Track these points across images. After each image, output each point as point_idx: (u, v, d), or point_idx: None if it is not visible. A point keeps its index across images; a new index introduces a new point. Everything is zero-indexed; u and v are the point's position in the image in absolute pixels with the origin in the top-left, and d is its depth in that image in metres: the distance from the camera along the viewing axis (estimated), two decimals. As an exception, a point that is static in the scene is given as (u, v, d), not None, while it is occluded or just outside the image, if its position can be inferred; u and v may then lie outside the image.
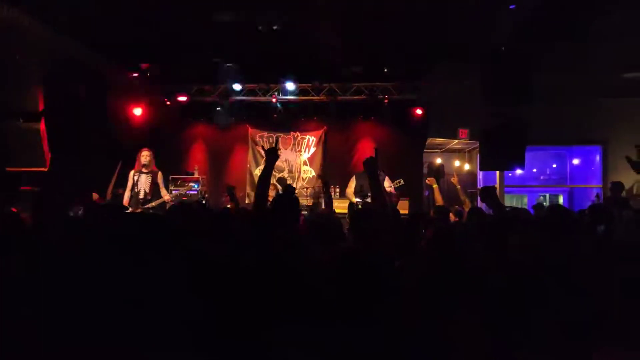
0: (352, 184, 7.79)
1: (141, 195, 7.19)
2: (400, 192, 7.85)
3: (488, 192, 3.16)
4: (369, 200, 7.13)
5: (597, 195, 10.57)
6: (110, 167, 8.57)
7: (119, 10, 7.29)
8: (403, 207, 9.20)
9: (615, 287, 2.22)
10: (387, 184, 7.59)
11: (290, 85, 10.25)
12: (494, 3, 7.13)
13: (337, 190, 10.20)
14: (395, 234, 3.33)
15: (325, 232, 3.27)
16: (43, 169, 7.32)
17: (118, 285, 2.18)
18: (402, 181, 7.81)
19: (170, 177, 9.65)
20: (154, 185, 7.35)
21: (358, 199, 7.43)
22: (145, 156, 7.38)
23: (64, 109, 8.58)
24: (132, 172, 7.39)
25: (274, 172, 11.13)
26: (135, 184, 7.29)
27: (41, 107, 7.23)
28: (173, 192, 9.22)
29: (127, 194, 7.30)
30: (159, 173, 7.50)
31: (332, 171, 10.63)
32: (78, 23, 7.51)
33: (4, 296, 2.08)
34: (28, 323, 1.85)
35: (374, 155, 3.26)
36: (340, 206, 8.19)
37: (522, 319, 2.00)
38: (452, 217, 6.03)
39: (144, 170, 7.32)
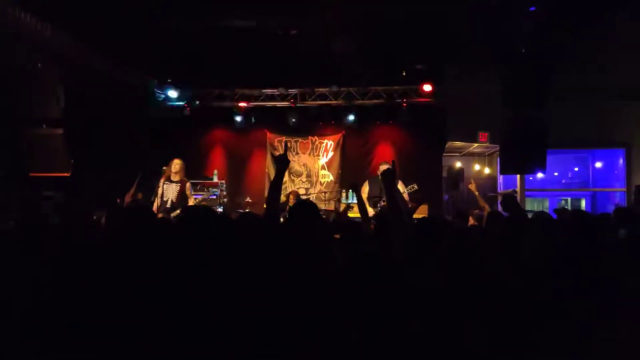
0: (366, 189, 7.69)
1: (168, 204, 7.27)
2: (417, 196, 7.70)
3: (509, 201, 3.11)
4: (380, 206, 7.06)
5: (617, 204, 10.36)
6: (131, 174, 8.67)
7: (139, 17, 7.38)
8: (422, 212, 9.12)
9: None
10: (402, 189, 7.42)
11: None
12: (514, 5, 7.06)
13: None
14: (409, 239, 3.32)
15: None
16: (65, 174, 7.44)
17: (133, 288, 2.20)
18: (415, 186, 7.66)
19: (190, 182, 9.70)
20: (182, 194, 7.40)
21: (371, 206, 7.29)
22: (175, 165, 7.43)
23: (85, 115, 8.73)
24: (162, 180, 7.45)
25: (292, 177, 11.19)
26: (164, 192, 7.36)
27: (63, 113, 7.35)
28: (195, 197, 9.28)
29: (157, 202, 7.36)
30: (188, 183, 7.53)
31: (350, 175, 10.61)
32: (97, 31, 7.62)
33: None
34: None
35: (391, 167, 3.18)
36: (356, 211, 8.10)
37: (535, 322, 1.96)
38: (471, 220, 5.97)
39: (173, 179, 7.37)
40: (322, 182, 11.16)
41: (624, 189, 10.65)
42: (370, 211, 7.08)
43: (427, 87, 10.18)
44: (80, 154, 7.90)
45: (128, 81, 9.54)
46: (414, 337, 1.67)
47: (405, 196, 7.42)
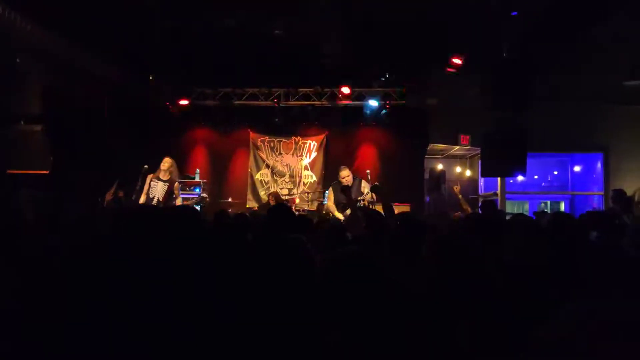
0: (332, 195, 7.47)
1: (154, 202, 7.19)
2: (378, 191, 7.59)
3: (489, 205, 3.14)
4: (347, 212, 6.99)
5: (594, 207, 10.54)
6: (112, 172, 8.59)
7: (120, 13, 7.31)
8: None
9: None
10: (365, 189, 7.26)
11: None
12: (496, 9, 7.14)
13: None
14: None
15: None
16: (44, 172, 7.33)
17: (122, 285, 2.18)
18: (377, 183, 7.58)
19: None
20: (169, 193, 7.33)
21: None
22: (164, 163, 7.35)
23: (64, 112, 8.62)
24: (150, 177, 7.35)
25: (275, 177, 11.18)
26: (150, 189, 7.29)
27: (42, 110, 7.24)
28: (182, 196, 9.21)
29: (142, 197, 7.26)
30: (176, 183, 7.49)
31: (333, 176, 10.62)
32: (78, 26, 7.53)
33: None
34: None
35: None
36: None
37: (520, 320, 1.98)
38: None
39: (162, 177, 7.30)
40: (305, 183, 11.16)
41: (602, 193, 10.83)
42: (340, 216, 7.03)
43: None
44: (59, 151, 7.79)
45: (108, 78, 9.42)
46: (398, 337, 1.68)
47: (370, 196, 7.27)
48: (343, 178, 7.19)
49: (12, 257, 2.58)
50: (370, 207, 6.98)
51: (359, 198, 7.11)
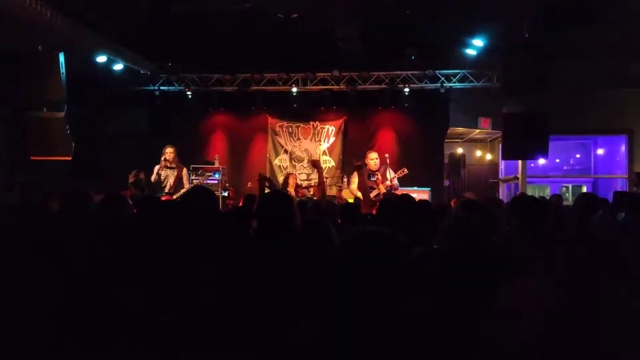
0: (355, 179, 7.80)
1: (167, 189, 7.50)
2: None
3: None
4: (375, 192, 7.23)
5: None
6: (132, 158, 8.72)
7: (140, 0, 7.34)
8: (424, 197, 9.13)
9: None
10: (390, 175, 7.57)
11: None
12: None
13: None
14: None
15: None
16: (67, 158, 7.43)
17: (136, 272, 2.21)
18: (405, 170, 7.76)
19: (191, 166, 9.71)
20: (179, 179, 7.64)
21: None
22: (168, 153, 7.68)
23: (86, 99, 8.71)
24: (157, 167, 7.65)
25: (293, 163, 11.19)
26: (161, 177, 7.60)
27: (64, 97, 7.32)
28: (194, 181, 9.29)
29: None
30: (184, 169, 7.92)
31: (351, 161, 10.60)
32: (97, 14, 7.59)
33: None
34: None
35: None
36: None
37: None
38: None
39: (168, 165, 7.61)
40: (324, 168, 11.14)
41: (626, 176, 10.64)
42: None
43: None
44: (81, 137, 7.90)
45: (129, 65, 9.49)
46: (418, 320, 1.67)
47: (395, 181, 7.56)
48: (372, 160, 7.61)
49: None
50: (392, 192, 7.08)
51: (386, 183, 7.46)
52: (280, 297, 2.10)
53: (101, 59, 8.75)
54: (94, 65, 8.77)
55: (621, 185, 10.98)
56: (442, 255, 2.24)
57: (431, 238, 2.59)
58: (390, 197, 6.19)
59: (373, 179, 7.40)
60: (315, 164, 7.23)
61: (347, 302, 1.60)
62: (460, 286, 1.98)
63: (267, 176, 8.81)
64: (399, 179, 7.70)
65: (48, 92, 7.17)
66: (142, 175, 7.54)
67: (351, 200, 7.22)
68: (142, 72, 10.21)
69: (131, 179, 7.33)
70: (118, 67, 9.35)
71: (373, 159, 7.66)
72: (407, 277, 1.66)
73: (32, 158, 7.55)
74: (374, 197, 7.23)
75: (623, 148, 10.95)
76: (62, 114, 7.33)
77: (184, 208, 2.73)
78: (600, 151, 12.64)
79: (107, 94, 9.97)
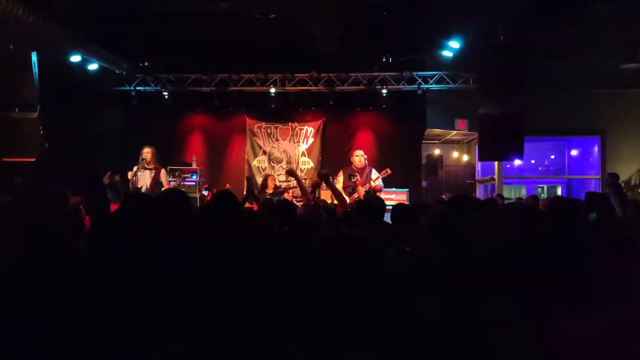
0: (340, 178, 7.63)
1: (143, 190, 7.25)
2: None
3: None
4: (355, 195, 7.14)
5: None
6: (108, 159, 8.58)
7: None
8: (402, 199, 9.19)
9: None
10: (374, 176, 7.51)
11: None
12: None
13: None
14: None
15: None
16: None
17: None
18: (389, 170, 7.71)
19: (169, 168, 9.61)
20: (156, 181, 7.40)
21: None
22: (146, 153, 7.45)
23: (60, 99, 8.55)
24: (134, 168, 7.46)
25: (272, 164, 11.15)
26: (137, 179, 7.36)
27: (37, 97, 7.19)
28: (171, 183, 9.19)
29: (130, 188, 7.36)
30: (162, 170, 7.61)
31: (330, 162, 10.62)
32: (73, 12, 7.46)
33: None
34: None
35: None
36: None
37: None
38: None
39: (146, 166, 7.37)
40: (303, 169, 11.12)
41: (599, 177, 10.85)
42: (346, 199, 7.13)
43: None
44: (54, 138, 7.74)
45: (104, 65, 9.36)
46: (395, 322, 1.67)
47: (379, 181, 7.49)
48: (356, 156, 7.55)
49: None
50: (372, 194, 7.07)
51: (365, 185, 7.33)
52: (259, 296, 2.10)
53: (75, 58, 8.63)
54: (68, 65, 8.63)
55: (594, 186, 11.19)
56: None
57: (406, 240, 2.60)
58: (368, 198, 6.20)
59: (353, 180, 7.29)
60: (291, 173, 7.09)
61: (324, 306, 1.59)
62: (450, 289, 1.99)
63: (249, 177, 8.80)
64: (382, 180, 7.62)
65: (20, 92, 7.02)
66: (117, 177, 7.40)
67: (329, 202, 7.18)
68: (117, 72, 10.09)
69: (105, 181, 7.16)
70: (93, 66, 9.23)
71: (358, 156, 7.56)
72: (381, 279, 1.66)
73: (4, 160, 7.38)
74: (351, 201, 7.11)
75: (596, 149, 11.16)
76: (34, 115, 7.19)
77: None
78: (574, 152, 12.87)
79: (81, 94, 9.80)
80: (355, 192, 7.13)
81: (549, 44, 8.72)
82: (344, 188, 7.28)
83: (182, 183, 9.45)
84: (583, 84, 10.00)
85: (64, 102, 8.98)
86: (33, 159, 7.07)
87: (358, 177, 7.24)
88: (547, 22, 7.67)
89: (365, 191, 7.24)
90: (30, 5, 6.65)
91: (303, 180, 10.48)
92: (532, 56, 8.35)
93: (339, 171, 7.87)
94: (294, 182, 10.59)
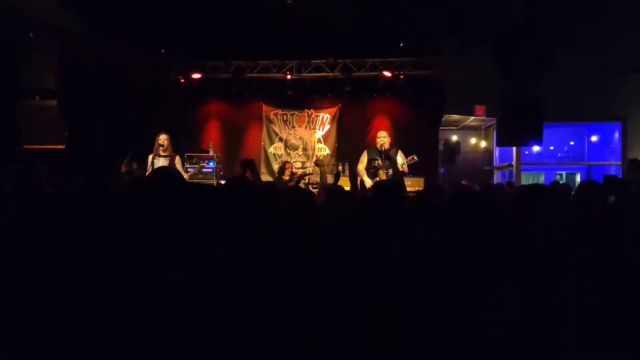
0: (364, 159, 7.55)
1: None
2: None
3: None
4: (378, 178, 7.05)
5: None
6: (126, 146, 8.65)
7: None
8: (419, 185, 9.14)
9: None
10: (401, 160, 7.38)
11: None
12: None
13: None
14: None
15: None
16: (60, 147, 7.40)
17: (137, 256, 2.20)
18: (415, 157, 7.61)
19: (186, 155, 9.68)
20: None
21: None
22: (162, 140, 7.49)
23: (79, 87, 8.64)
24: (150, 156, 7.51)
25: (288, 151, 11.16)
26: (153, 167, 7.41)
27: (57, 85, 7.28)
28: (189, 169, 9.26)
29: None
30: (177, 157, 7.67)
31: (346, 148, 10.60)
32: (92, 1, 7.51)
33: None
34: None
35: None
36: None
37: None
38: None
39: (162, 153, 7.44)
40: (319, 156, 11.12)
41: (620, 163, 10.69)
42: (368, 182, 7.11)
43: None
44: (74, 125, 7.85)
45: (123, 52, 9.41)
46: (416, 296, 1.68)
47: (405, 167, 7.39)
48: (379, 137, 7.37)
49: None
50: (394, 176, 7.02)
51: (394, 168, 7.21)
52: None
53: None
54: (86, 52, 8.68)
55: (615, 172, 11.02)
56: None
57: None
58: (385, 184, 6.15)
59: (374, 163, 7.17)
60: (319, 164, 7.14)
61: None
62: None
63: (250, 160, 8.75)
64: (408, 166, 7.48)
65: (41, 80, 7.12)
66: (134, 165, 7.48)
67: (347, 188, 7.14)
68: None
69: (123, 169, 7.24)
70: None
71: (381, 137, 7.33)
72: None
73: (25, 147, 7.51)
74: (370, 186, 7.03)
75: (617, 135, 10.98)
76: (54, 102, 7.29)
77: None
78: (594, 138, 12.68)
79: (100, 83, 9.87)
80: (377, 176, 7.09)
81: (570, 29, 8.56)
82: (366, 169, 7.26)
83: (201, 170, 9.50)
84: (604, 68, 9.81)
85: (83, 90, 9.08)
86: (53, 146, 7.20)
87: (379, 160, 7.18)
88: (569, 5, 7.55)
89: (387, 176, 7.14)
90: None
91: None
92: (553, 41, 8.22)
93: (361, 153, 7.80)
94: (309, 170, 10.63)
